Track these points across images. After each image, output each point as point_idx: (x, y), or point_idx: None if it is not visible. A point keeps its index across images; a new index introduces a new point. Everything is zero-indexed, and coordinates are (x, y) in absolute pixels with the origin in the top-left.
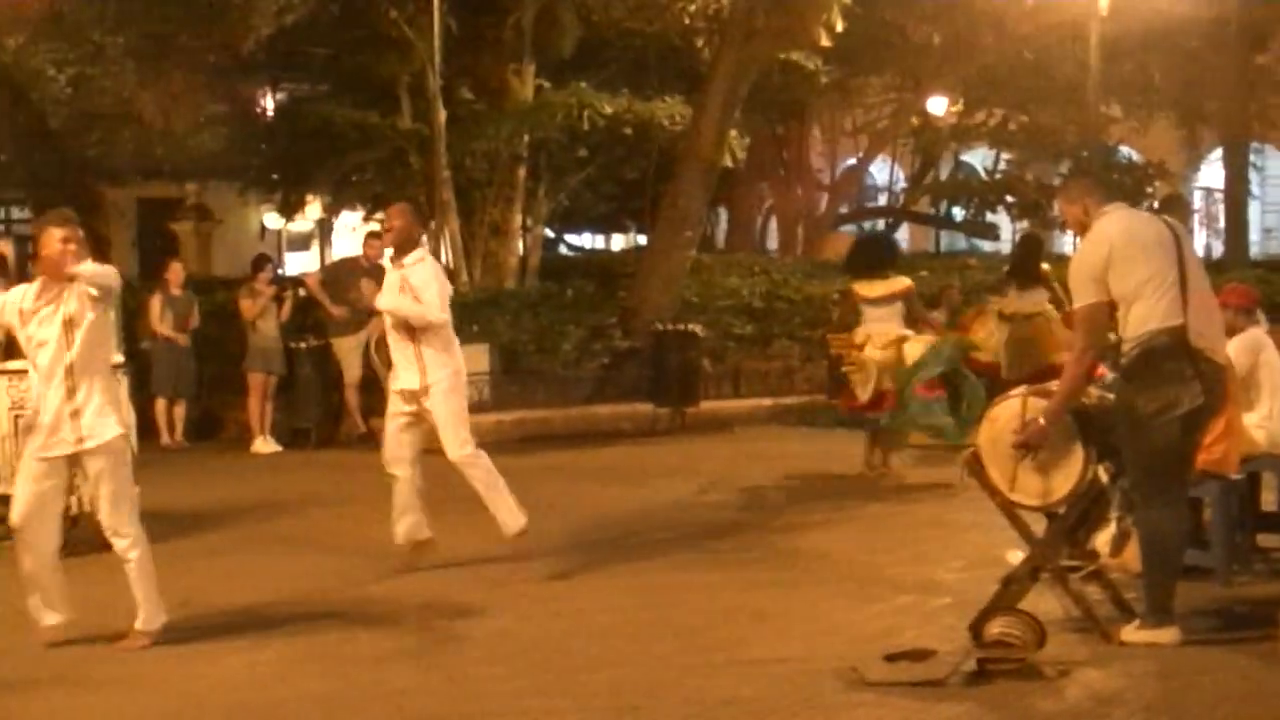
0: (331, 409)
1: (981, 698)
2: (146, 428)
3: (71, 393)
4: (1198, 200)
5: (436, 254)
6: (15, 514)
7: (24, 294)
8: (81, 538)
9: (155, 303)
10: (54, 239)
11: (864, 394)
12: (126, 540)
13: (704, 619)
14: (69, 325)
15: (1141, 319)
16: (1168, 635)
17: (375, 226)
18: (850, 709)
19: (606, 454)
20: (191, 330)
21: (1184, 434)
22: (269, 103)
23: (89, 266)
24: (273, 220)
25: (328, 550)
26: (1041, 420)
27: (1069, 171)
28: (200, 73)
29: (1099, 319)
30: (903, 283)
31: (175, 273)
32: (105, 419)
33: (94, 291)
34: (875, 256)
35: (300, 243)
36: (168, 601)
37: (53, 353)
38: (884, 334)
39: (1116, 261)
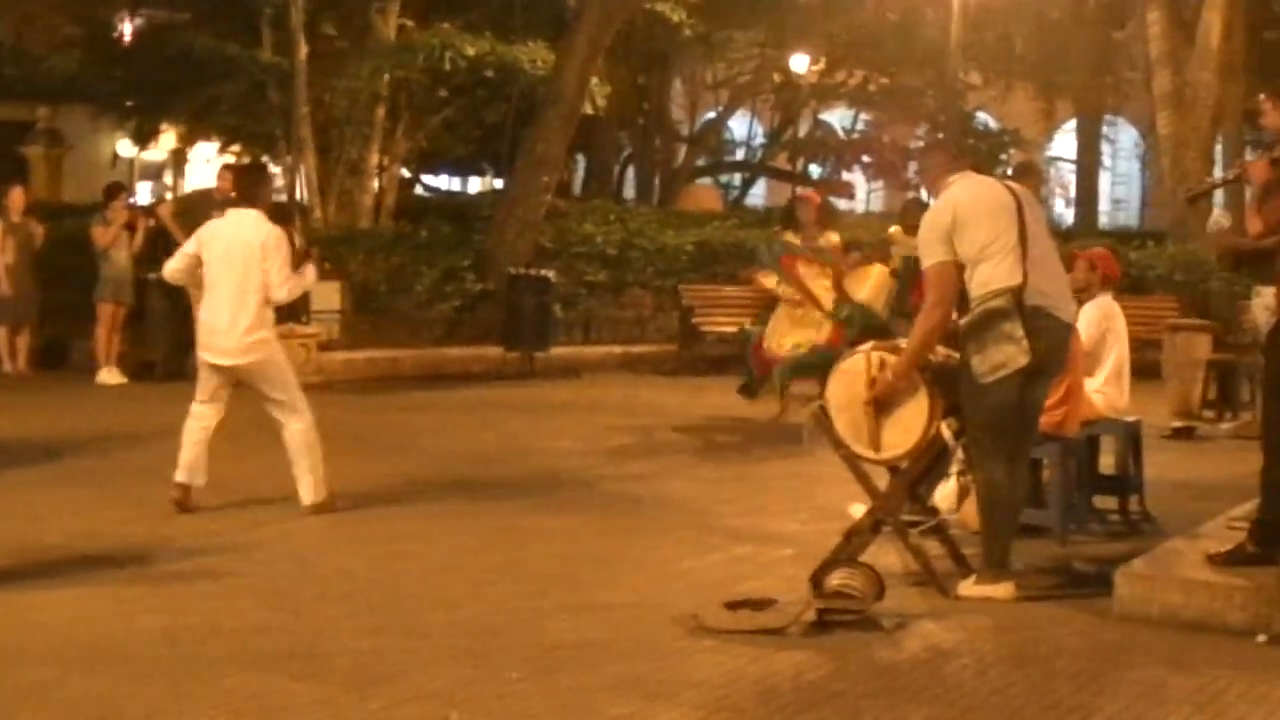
0: (181, 342)
1: (820, 647)
2: None
3: None
4: (1051, 170)
5: (292, 191)
6: None
7: None
8: None
9: None
10: None
11: None
12: None
13: (546, 563)
14: None
15: (984, 281)
16: (1003, 590)
17: (230, 159)
18: (689, 655)
19: (456, 396)
20: (34, 257)
21: (1022, 393)
22: (127, 28)
23: None
24: (126, 148)
25: (169, 485)
26: (890, 375)
27: (925, 141)
28: None
29: (947, 277)
30: None
31: (16, 198)
32: None
33: None
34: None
35: (153, 172)
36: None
37: None
38: None
39: (960, 225)
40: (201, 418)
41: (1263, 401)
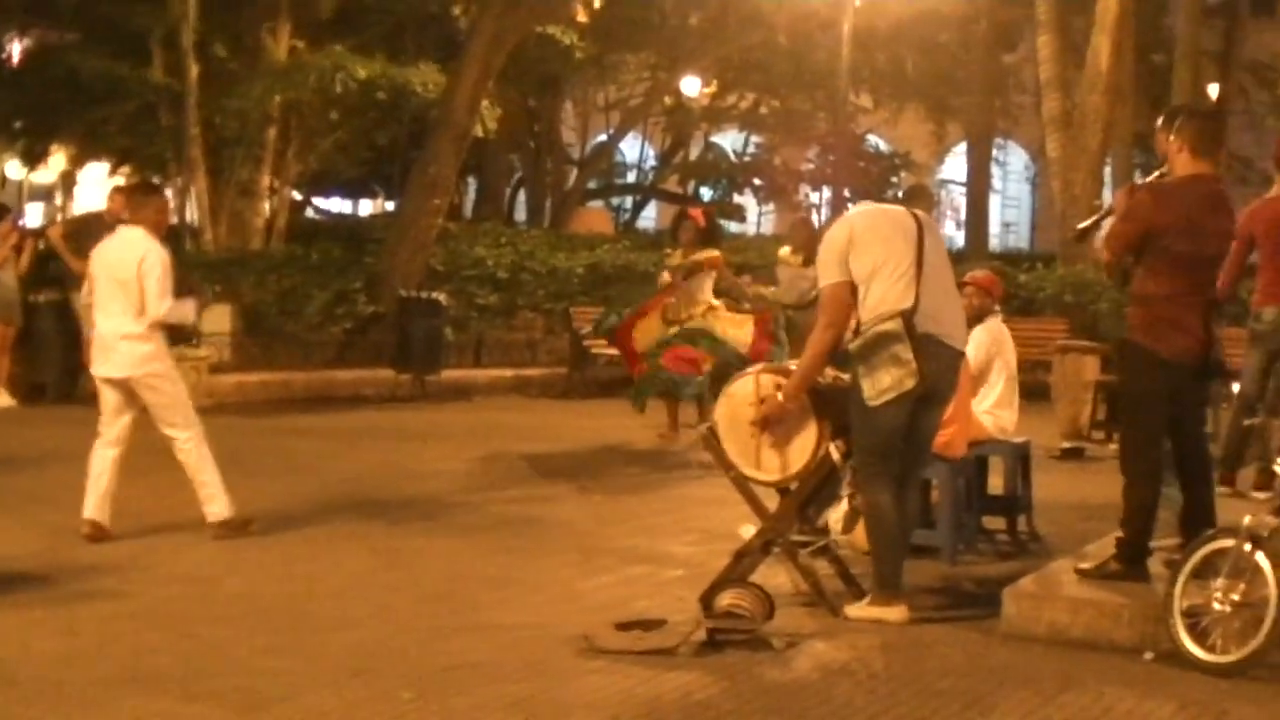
0: (70, 365)
1: (711, 667)
2: None
3: None
4: (942, 192)
5: (182, 212)
6: None
7: None
8: None
9: None
10: None
11: None
12: None
13: (439, 584)
14: None
15: (876, 303)
16: (895, 613)
17: (121, 181)
18: (581, 676)
19: (348, 419)
20: None
21: (914, 419)
22: (16, 49)
23: None
24: (15, 170)
25: (62, 508)
26: (780, 397)
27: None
28: None
29: (841, 298)
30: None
31: None
32: None
33: None
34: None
35: (42, 194)
36: None
37: None
38: None
39: (856, 246)
40: (106, 445)
41: (1123, 422)
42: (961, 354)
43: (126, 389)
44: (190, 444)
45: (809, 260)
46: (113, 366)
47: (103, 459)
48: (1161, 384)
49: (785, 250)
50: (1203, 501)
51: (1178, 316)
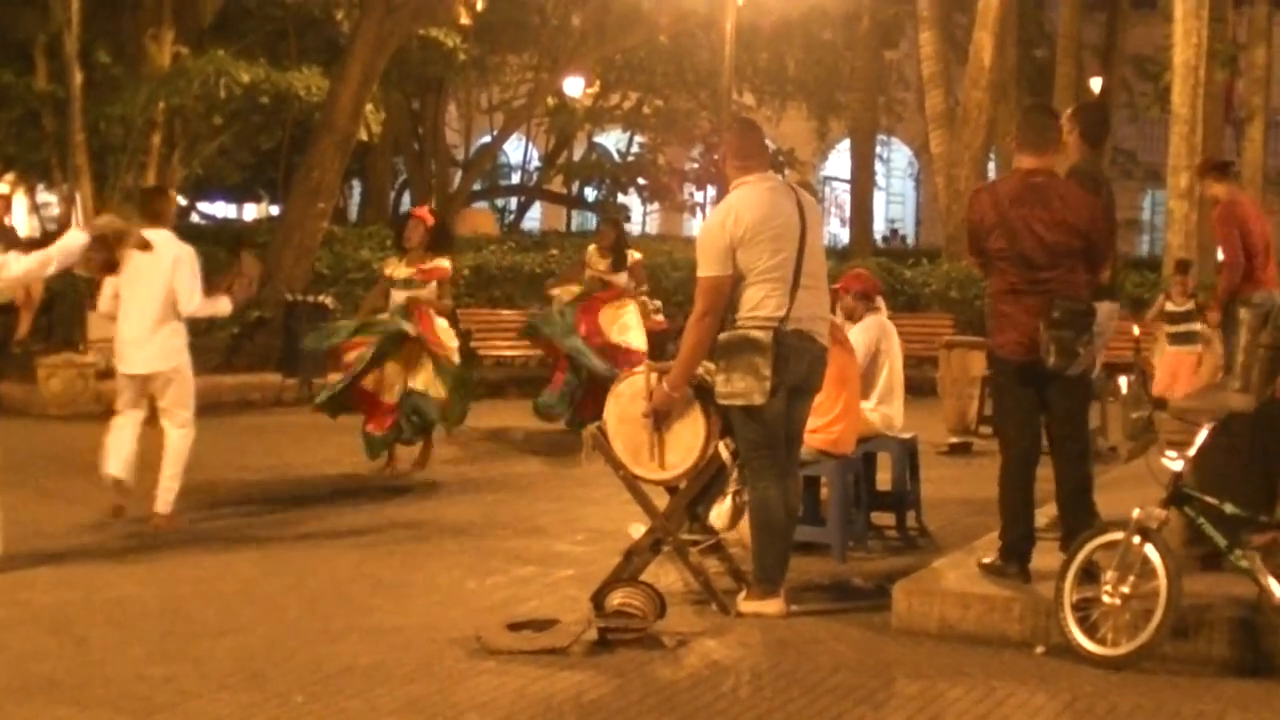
0: None
1: (602, 666)
2: None
3: None
4: (826, 189)
5: (67, 218)
6: None
7: None
8: None
9: None
10: None
11: None
12: None
13: (328, 587)
14: None
15: (751, 304)
16: (773, 606)
17: (4, 189)
18: (472, 676)
19: (234, 424)
20: None
21: (784, 411)
22: None
23: None
24: None
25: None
26: (666, 387)
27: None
28: None
29: (720, 292)
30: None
31: None
32: None
33: None
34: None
35: None
36: None
37: None
38: None
39: (745, 244)
40: None
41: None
42: (826, 349)
43: None
44: None
45: (619, 265)
46: None
47: None
48: (1006, 380)
49: (592, 248)
50: (1069, 518)
51: (1007, 313)
